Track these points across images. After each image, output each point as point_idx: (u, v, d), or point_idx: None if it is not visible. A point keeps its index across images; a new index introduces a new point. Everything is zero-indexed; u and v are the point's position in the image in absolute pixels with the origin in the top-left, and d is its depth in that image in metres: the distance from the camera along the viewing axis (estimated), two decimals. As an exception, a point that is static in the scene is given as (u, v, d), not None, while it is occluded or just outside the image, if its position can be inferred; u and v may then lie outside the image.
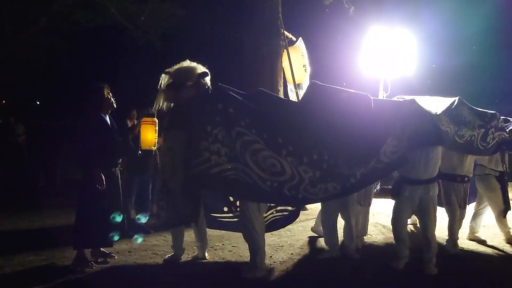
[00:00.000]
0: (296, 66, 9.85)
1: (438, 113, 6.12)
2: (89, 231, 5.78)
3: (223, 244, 7.09)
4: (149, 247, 6.73)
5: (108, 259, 6.11)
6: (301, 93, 9.89)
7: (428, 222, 5.87)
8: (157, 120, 6.80)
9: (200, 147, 5.19)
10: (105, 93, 5.95)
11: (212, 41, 18.45)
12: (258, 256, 5.66)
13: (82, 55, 18.48)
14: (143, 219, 7.02)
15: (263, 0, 9.90)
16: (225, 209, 6.29)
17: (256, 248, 5.66)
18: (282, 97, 10.05)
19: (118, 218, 5.84)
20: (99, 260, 6.05)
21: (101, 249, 6.13)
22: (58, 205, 9.90)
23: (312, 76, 10.35)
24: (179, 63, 5.94)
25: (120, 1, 12.49)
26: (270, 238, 7.41)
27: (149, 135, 6.72)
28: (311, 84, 6.03)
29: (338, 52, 16.48)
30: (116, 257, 6.25)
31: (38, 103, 25.11)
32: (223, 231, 7.84)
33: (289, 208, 6.30)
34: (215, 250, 6.78)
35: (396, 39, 9.33)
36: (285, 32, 9.96)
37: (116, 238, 5.93)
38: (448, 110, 6.33)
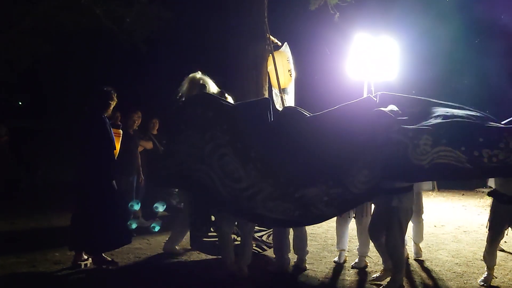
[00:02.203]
0: (281, 71, 9.88)
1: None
2: (105, 234, 5.88)
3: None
4: (131, 250, 6.70)
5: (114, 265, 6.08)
6: (286, 97, 9.94)
7: (387, 235, 5.37)
8: (121, 132, 7.01)
9: (172, 147, 5.41)
10: (113, 97, 6.08)
11: (198, 45, 18.44)
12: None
13: (67, 57, 18.36)
14: (160, 207, 7.14)
15: (249, 4, 9.92)
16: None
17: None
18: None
19: (136, 206, 5.92)
20: (104, 266, 6.02)
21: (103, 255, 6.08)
22: (41, 207, 9.82)
23: (297, 81, 10.40)
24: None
25: (105, 4, 12.43)
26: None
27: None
28: (286, 109, 6.02)
29: (323, 57, 16.57)
30: (118, 263, 6.17)
31: (20, 103, 24.86)
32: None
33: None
34: (199, 253, 6.75)
35: (380, 46, 9.42)
36: (271, 36, 9.98)
37: (134, 225, 6.31)
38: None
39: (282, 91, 9.75)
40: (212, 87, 6.20)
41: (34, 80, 18.94)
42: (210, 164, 5.24)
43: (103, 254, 6.08)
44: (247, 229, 5.85)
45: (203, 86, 6.09)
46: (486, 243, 5.59)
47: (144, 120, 8.79)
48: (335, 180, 5.19)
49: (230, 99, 6.21)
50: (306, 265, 6.13)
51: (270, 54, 9.87)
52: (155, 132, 8.99)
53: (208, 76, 6.40)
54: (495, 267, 5.64)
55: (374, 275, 5.77)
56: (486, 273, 5.61)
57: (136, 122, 8.36)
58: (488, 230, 5.56)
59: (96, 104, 6.08)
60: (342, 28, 12.57)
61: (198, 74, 6.22)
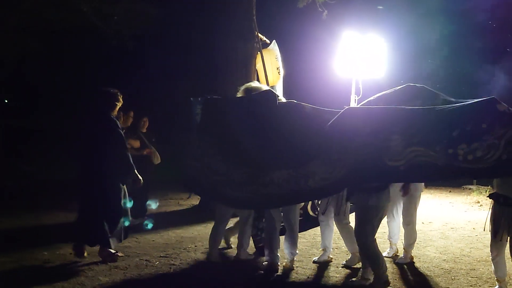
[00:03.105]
0: (270, 69, 9.91)
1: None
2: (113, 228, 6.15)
3: (195, 246, 7.08)
4: (120, 249, 6.66)
5: (117, 258, 6.24)
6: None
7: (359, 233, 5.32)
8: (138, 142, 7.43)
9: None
10: (119, 98, 6.31)
11: (186, 43, 18.39)
12: None
13: (55, 55, 18.24)
14: (153, 205, 7.23)
15: (237, 2, 9.93)
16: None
17: None
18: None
19: (129, 204, 6.18)
20: (107, 261, 6.13)
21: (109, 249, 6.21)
22: (30, 206, 9.78)
23: (285, 78, 10.43)
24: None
25: (92, 0, 12.36)
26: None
27: None
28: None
29: (311, 55, 16.61)
30: (123, 255, 6.38)
31: (6, 101, 24.66)
32: (196, 233, 7.91)
33: None
34: (188, 251, 6.76)
35: (368, 43, 9.48)
36: (259, 34, 10.00)
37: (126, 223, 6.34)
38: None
39: (270, 88, 9.76)
40: None
41: (22, 78, 18.81)
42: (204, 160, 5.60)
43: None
44: (244, 216, 6.22)
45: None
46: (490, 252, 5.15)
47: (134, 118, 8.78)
48: (296, 170, 5.23)
49: None
50: (294, 264, 6.12)
51: (259, 52, 9.89)
52: (144, 130, 8.97)
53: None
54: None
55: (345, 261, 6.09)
56: (497, 286, 5.18)
57: (129, 121, 8.44)
58: (491, 236, 5.11)
59: (103, 105, 6.24)
60: (330, 26, 12.60)
61: (254, 83, 6.28)
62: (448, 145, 4.66)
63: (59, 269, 5.88)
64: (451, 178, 5.60)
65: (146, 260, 6.27)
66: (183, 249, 6.89)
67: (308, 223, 6.78)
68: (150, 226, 7.29)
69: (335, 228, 6.36)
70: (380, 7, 15.60)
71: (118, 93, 6.32)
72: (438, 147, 4.68)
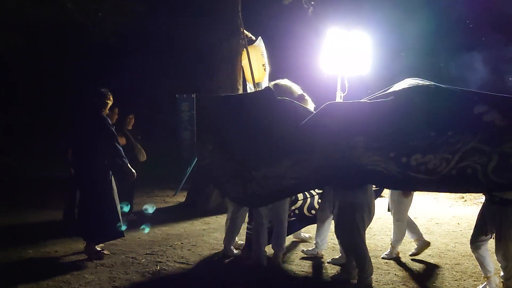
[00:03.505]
0: (256, 65, 9.89)
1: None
2: (105, 224, 6.27)
3: (182, 243, 7.07)
4: (106, 246, 6.64)
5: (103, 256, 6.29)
6: (260, 92, 9.96)
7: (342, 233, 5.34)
8: (124, 137, 7.42)
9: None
10: (109, 98, 6.46)
11: (172, 40, 18.34)
12: None
13: (39, 51, 18.08)
14: (150, 209, 7.30)
15: (223, -2, 9.91)
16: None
17: None
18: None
19: (126, 208, 6.10)
20: (93, 258, 6.18)
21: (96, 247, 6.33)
22: (15, 204, 9.73)
23: (271, 75, 10.42)
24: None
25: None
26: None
27: None
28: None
29: (297, 52, 16.65)
30: (109, 253, 6.41)
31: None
32: (182, 230, 7.90)
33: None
34: (174, 249, 6.75)
35: (353, 40, 9.49)
36: (245, 31, 9.99)
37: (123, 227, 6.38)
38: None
39: (256, 85, 9.76)
40: (295, 92, 6.19)
41: (4, 73, 18.63)
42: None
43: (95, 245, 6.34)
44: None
45: (288, 91, 6.09)
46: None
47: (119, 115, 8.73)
48: (271, 168, 5.31)
49: (310, 102, 6.29)
50: (281, 260, 6.12)
51: (244, 49, 9.87)
52: (130, 127, 8.92)
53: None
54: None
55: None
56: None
57: (114, 118, 8.38)
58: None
59: (95, 104, 6.40)
60: (315, 23, 12.62)
61: (283, 81, 6.24)
62: (403, 153, 4.55)
63: (44, 267, 5.85)
64: (404, 187, 5.41)
65: (132, 258, 6.25)
66: (169, 246, 6.88)
67: (302, 223, 6.80)
68: (147, 230, 7.25)
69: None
70: None
71: (109, 93, 6.46)
72: (392, 153, 4.60)
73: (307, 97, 6.31)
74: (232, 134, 5.75)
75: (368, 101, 5.05)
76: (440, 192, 5.28)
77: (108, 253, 6.42)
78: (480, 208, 5.08)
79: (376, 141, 4.66)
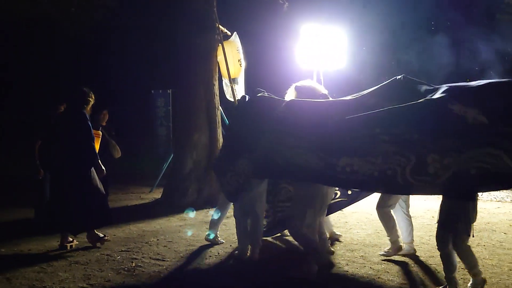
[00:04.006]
0: (231, 61, 9.87)
1: None
2: (94, 213, 6.53)
3: (157, 240, 7.02)
4: (80, 244, 6.58)
5: (104, 241, 6.65)
6: (236, 87, 9.94)
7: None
8: (101, 133, 7.48)
9: None
10: (91, 96, 6.68)
11: (146, 35, 18.20)
12: None
13: (11, 47, 17.79)
14: (191, 213, 7.36)
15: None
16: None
17: None
18: (216, 91, 10.09)
19: (192, 214, 6.12)
20: (97, 244, 6.58)
21: (96, 232, 6.64)
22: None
23: (247, 70, 10.42)
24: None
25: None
26: (206, 232, 7.42)
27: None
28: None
29: (273, 47, 16.65)
30: (110, 239, 6.78)
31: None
32: (158, 226, 7.85)
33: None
34: (150, 245, 6.70)
35: (328, 35, 9.53)
36: (220, 26, 9.95)
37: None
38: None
39: (232, 81, 9.75)
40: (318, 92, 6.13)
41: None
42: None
43: (95, 231, 6.64)
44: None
45: (310, 92, 6.02)
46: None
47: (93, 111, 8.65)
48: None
49: None
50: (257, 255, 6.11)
51: (220, 44, 9.83)
52: (104, 123, 8.83)
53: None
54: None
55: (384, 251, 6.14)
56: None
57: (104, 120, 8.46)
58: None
59: (76, 102, 6.62)
60: (291, 18, 12.64)
61: (305, 82, 6.17)
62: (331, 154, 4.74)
63: (17, 265, 5.74)
64: (330, 185, 5.55)
65: (107, 255, 6.19)
66: (145, 243, 6.82)
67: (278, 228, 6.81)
68: (191, 214, 7.17)
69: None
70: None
71: (91, 92, 6.67)
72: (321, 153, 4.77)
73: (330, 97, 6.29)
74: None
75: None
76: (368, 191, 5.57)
77: (110, 239, 6.79)
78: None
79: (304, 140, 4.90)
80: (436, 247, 4.90)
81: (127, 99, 20.57)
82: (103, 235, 6.72)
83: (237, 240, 6.29)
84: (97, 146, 7.08)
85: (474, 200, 4.64)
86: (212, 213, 6.77)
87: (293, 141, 4.97)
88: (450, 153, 4.31)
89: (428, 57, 15.88)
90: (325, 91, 5.96)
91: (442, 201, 4.73)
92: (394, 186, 4.62)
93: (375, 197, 6.34)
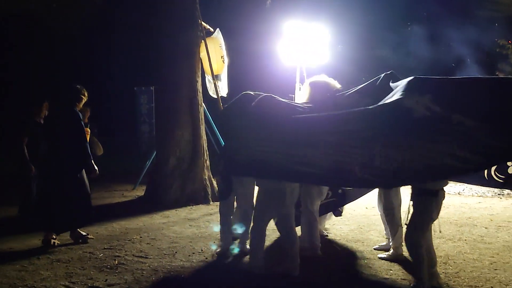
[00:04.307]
0: (214, 57, 9.84)
1: None
2: (79, 212, 6.58)
3: (140, 237, 6.99)
4: (62, 242, 6.53)
5: (87, 239, 6.66)
6: (219, 84, 9.92)
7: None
8: (89, 130, 7.47)
9: None
10: (84, 94, 6.74)
11: (129, 32, 18.09)
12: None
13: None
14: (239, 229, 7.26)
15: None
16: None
17: None
18: (200, 88, 10.06)
19: (240, 230, 6.09)
20: (80, 241, 6.59)
21: (79, 230, 6.67)
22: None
23: (230, 67, 10.40)
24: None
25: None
26: (189, 230, 7.42)
27: None
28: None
29: (256, 43, 16.64)
30: (93, 237, 6.77)
31: None
32: (141, 224, 7.81)
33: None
34: (133, 243, 6.67)
35: (311, 31, 9.55)
36: (203, 23, 9.91)
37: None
38: None
39: (215, 77, 9.72)
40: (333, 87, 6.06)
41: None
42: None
43: (78, 230, 6.67)
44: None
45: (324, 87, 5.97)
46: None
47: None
48: None
49: None
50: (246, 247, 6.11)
51: (202, 40, 9.80)
52: (86, 120, 8.76)
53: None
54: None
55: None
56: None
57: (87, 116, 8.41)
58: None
59: (68, 100, 6.68)
60: (273, 14, 12.64)
61: (319, 77, 6.08)
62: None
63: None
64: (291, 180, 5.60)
65: (89, 253, 6.15)
66: (128, 240, 6.79)
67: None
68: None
69: None
70: None
71: (84, 89, 6.73)
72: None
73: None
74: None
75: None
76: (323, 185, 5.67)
77: (93, 237, 6.76)
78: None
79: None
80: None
81: (109, 96, 20.47)
82: (85, 233, 6.71)
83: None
84: None
85: (435, 196, 4.67)
86: (235, 227, 6.72)
87: (259, 137, 4.98)
88: (398, 148, 4.41)
89: (408, 51, 16.00)
90: (339, 86, 5.94)
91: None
92: (349, 180, 4.75)
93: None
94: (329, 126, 4.75)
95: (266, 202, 5.37)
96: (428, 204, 4.69)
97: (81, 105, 6.78)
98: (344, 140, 4.61)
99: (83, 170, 6.64)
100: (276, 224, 5.55)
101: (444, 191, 4.77)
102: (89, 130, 7.52)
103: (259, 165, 4.95)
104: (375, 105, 4.71)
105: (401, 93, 4.56)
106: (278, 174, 4.94)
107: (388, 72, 5.49)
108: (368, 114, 4.63)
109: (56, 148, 6.58)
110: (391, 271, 5.49)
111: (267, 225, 5.47)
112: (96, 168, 6.70)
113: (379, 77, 5.50)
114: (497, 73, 14.65)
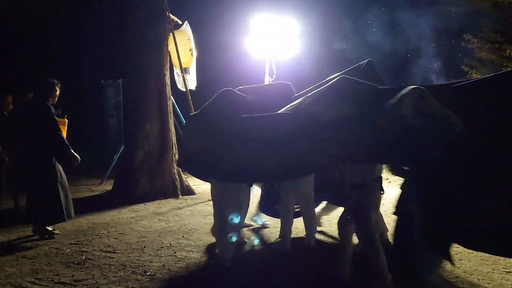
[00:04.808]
0: (182, 50, 9.78)
1: None
2: (55, 207, 6.48)
3: (108, 232, 6.92)
4: (29, 239, 6.42)
5: (54, 235, 6.60)
6: (188, 77, 9.86)
7: None
8: (67, 121, 7.31)
9: None
10: (57, 88, 6.69)
11: (94, 24, 17.83)
12: None
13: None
14: (259, 220, 7.25)
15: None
16: None
17: None
18: (168, 81, 9.98)
19: (236, 220, 5.81)
20: (46, 236, 6.53)
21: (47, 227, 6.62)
22: None
23: (199, 60, 10.34)
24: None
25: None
26: (158, 224, 7.37)
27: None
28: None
29: (225, 36, 16.58)
30: (60, 233, 6.70)
31: None
32: (109, 218, 7.73)
33: None
34: (100, 238, 6.59)
35: (280, 25, 9.57)
36: (171, 15, 9.82)
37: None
38: None
39: (183, 70, 9.67)
40: None
41: None
42: None
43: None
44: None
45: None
46: None
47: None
48: None
49: None
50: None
51: (171, 33, 9.72)
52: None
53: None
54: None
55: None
56: None
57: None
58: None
59: (41, 94, 6.63)
60: (242, 6, 12.61)
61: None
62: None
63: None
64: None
65: (56, 248, 6.06)
66: (95, 235, 6.72)
67: None
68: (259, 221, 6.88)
69: None
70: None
71: (57, 82, 6.68)
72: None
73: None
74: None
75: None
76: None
77: (59, 233, 6.69)
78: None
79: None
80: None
81: (76, 89, 20.14)
82: (52, 229, 6.63)
83: (192, 231, 6.27)
84: (64, 134, 6.97)
85: (363, 189, 4.70)
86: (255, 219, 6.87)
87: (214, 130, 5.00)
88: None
89: (368, 42, 16.13)
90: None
91: None
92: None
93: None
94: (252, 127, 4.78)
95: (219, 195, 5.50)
96: (358, 197, 4.71)
97: (55, 100, 6.71)
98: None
99: (58, 167, 6.54)
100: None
101: (378, 184, 4.84)
102: (66, 121, 7.38)
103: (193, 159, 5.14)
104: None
105: None
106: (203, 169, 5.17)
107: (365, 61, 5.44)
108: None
109: (28, 141, 6.56)
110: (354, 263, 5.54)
111: (227, 218, 5.46)
112: (77, 156, 6.58)
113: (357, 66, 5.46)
114: (462, 67, 14.87)
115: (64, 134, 6.96)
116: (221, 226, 5.48)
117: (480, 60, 14.64)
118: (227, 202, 5.43)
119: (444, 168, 3.77)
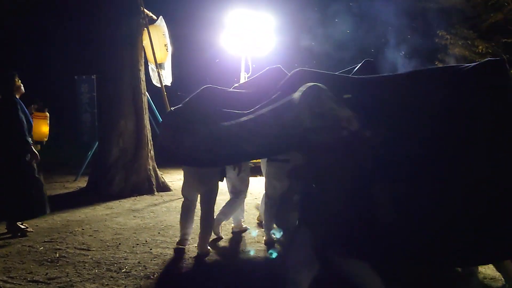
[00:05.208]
0: (157, 45, 9.72)
1: None
2: (26, 203, 6.44)
3: (83, 229, 6.84)
4: (1, 236, 6.32)
5: (26, 233, 6.51)
6: (163, 72, 9.80)
7: None
8: (48, 114, 7.27)
9: None
10: (17, 79, 6.55)
11: (68, 18, 17.60)
12: None
13: None
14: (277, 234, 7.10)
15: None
16: None
17: None
18: (143, 77, 9.90)
19: (278, 234, 6.01)
20: (18, 234, 6.44)
21: (18, 224, 6.53)
22: None
23: (174, 55, 10.29)
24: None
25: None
26: (133, 221, 7.32)
27: (43, 128, 6.93)
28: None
29: (200, 32, 16.52)
30: (33, 231, 6.60)
31: None
32: (83, 216, 7.64)
33: None
34: (75, 235, 6.52)
35: (256, 20, 9.57)
36: (146, 10, 9.75)
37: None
38: None
39: (158, 66, 9.62)
40: None
41: None
42: None
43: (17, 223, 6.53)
44: None
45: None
46: None
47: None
48: None
49: None
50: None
51: (145, 28, 9.65)
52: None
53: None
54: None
55: None
56: None
57: None
58: None
59: (5, 88, 6.53)
60: (218, 2, 12.56)
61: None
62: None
63: None
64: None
65: (29, 246, 5.97)
66: (70, 233, 6.63)
67: None
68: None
69: None
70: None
71: (15, 74, 6.58)
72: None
73: None
74: None
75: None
76: None
77: (32, 230, 6.59)
78: None
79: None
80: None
81: (49, 85, 19.88)
82: (24, 226, 6.54)
83: (167, 228, 6.23)
84: (46, 128, 6.85)
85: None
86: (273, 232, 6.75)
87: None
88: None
89: (339, 38, 16.22)
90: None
91: None
92: None
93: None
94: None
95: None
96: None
97: (20, 91, 6.59)
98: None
99: (28, 161, 6.46)
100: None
101: None
102: (48, 114, 7.28)
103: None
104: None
105: None
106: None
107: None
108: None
109: (3, 137, 6.45)
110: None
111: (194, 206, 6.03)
112: (36, 152, 6.48)
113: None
114: (436, 63, 15.05)
115: (47, 128, 6.88)
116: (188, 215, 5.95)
117: (453, 56, 14.88)
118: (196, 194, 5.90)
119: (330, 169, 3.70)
